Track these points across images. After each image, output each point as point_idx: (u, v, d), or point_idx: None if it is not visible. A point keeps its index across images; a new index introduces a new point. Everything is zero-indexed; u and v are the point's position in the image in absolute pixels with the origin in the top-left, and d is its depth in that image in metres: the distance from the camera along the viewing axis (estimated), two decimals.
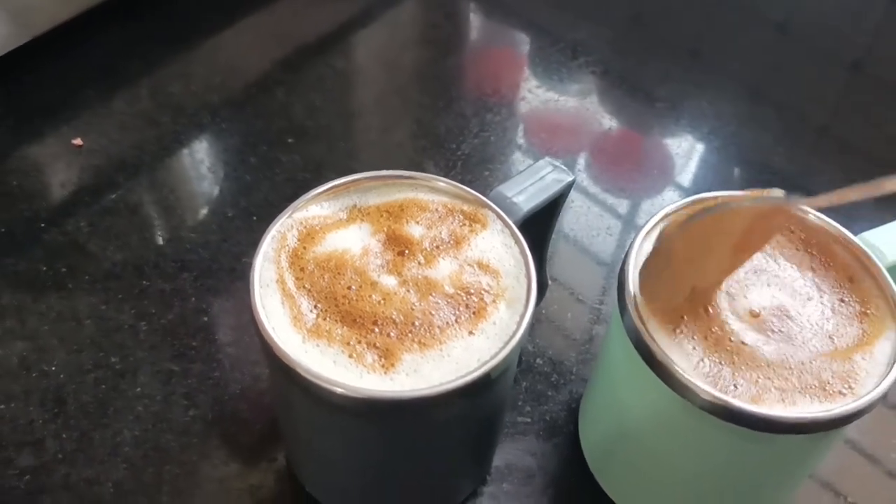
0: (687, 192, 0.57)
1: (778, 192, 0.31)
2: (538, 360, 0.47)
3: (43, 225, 0.52)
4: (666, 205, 0.37)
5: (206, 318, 0.47)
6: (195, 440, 0.42)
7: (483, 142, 0.59)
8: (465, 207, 0.36)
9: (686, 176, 0.59)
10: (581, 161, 0.60)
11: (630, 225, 0.55)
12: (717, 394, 0.31)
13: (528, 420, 0.44)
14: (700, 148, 0.61)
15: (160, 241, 0.51)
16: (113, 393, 0.44)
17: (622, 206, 0.56)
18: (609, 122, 0.63)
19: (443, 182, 0.36)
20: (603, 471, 0.41)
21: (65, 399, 0.44)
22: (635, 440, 0.38)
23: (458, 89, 0.64)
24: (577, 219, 0.55)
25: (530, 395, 0.45)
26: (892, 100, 0.68)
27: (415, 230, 0.35)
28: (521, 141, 0.60)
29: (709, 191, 0.38)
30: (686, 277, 0.34)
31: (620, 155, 0.61)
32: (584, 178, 0.58)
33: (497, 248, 0.35)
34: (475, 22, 0.74)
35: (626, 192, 0.57)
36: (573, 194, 0.56)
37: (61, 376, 0.44)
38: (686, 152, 0.61)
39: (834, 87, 0.69)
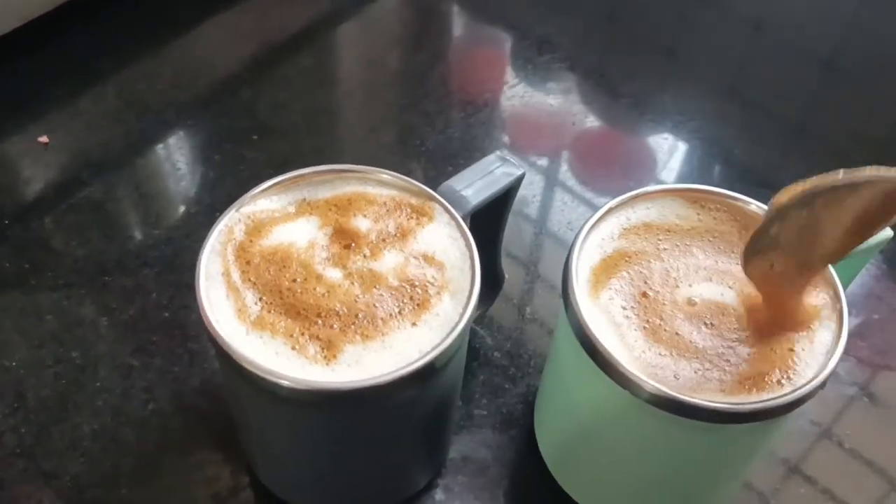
0: (632, 186, 0.58)
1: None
2: (496, 354, 0.47)
3: (7, 222, 0.52)
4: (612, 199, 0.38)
5: (167, 314, 0.48)
6: (153, 433, 0.43)
7: (447, 138, 0.59)
8: (413, 201, 0.36)
9: (668, 173, 0.60)
10: (563, 159, 0.60)
11: None
12: (658, 385, 0.32)
13: (485, 413, 0.45)
14: (681, 145, 0.62)
15: (123, 237, 0.52)
16: (73, 387, 0.44)
17: (601, 202, 0.57)
18: (587, 120, 0.63)
19: (390, 176, 0.37)
20: (557, 463, 0.42)
21: (24, 394, 0.44)
22: (585, 432, 0.38)
23: (424, 87, 0.64)
24: (540, 210, 0.55)
25: (487, 388, 0.46)
26: (864, 97, 0.68)
27: (362, 223, 0.35)
28: (487, 138, 0.61)
29: (655, 186, 0.39)
30: (795, 256, 0.32)
31: (602, 154, 0.61)
32: (567, 175, 0.58)
33: (443, 240, 0.35)
34: (445, 19, 0.74)
35: (608, 190, 0.58)
36: (551, 189, 0.57)
37: (21, 371, 0.45)
38: (667, 149, 0.61)
39: (807, 85, 0.69)
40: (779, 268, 0.32)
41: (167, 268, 0.50)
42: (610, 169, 0.60)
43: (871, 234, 0.31)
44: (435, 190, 0.37)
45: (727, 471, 0.37)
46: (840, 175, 0.28)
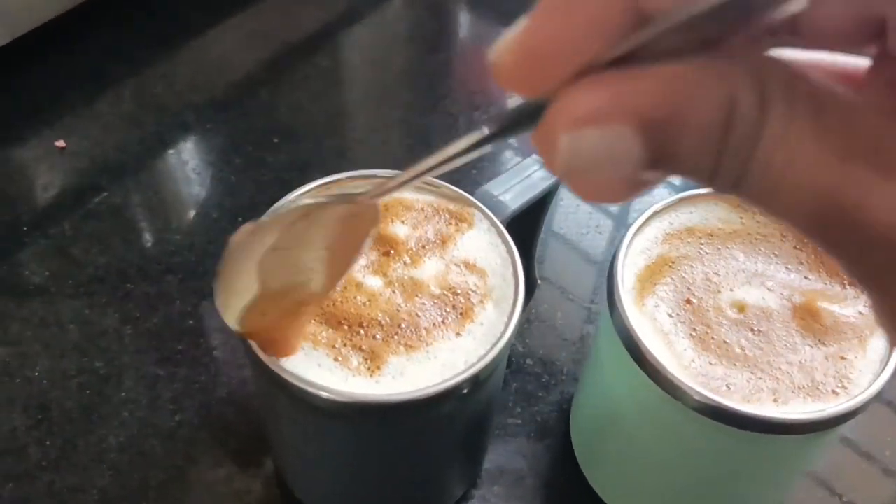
0: (677, 189, 0.57)
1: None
2: (528, 361, 0.46)
3: (26, 229, 0.51)
4: (655, 202, 0.37)
5: (191, 322, 0.47)
6: (181, 445, 0.42)
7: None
8: (451, 206, 0.35)
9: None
10: None
11: (620, 223, 0.54)
12: (710, 395, 0.31)
13: (519, 422, 0.44)
14: None
15: (144, 244, 0.51)
16: (97, 398, 0.43)
17: (612, 204, 0.56)
18: None
19: (428, 181, 0.36)
20: (594, 472, 0.41)
21: (48, 405, 0.43)
22: (627, 441, 0.37)
23: (445, 88, 0.63)
24: (566, 217, 0.54)
25: (521, 397, 0.45)
26: None
27: (400, 230, 0.34)
28: (509, 140, 0.60)
29: (698, 185, 0.38)
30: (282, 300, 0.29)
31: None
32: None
33: (483, 247, 0.34)
34: (462, 20, 0.73)
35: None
36: (562, 192, 0.56)
37: (45, 382, 0.44)
38: None
39: None
40: (271, 315, 0.29)
41: (190, 275, 0.49)
42: None
43: (358, 251, 0.27)
44: (472, 194, 0.36)
45: (774, 481, 0.36)
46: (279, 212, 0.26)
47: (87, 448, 0.41)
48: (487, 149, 0.18)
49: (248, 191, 0.53)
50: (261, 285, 0.27)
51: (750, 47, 0.15)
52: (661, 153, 0.15)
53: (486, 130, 0.18)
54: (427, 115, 0.60)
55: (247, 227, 0.27)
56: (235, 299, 0.28)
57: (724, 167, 0.15)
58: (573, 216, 0.55)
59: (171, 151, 0.57)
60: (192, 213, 0.53)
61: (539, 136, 0.17)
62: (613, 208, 0.55)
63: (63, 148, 0.56)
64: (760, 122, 0.14)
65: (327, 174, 0.36)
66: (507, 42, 0.16)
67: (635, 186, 0.17)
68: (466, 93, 0.63)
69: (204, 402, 0.43)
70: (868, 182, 0.14)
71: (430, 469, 0.37)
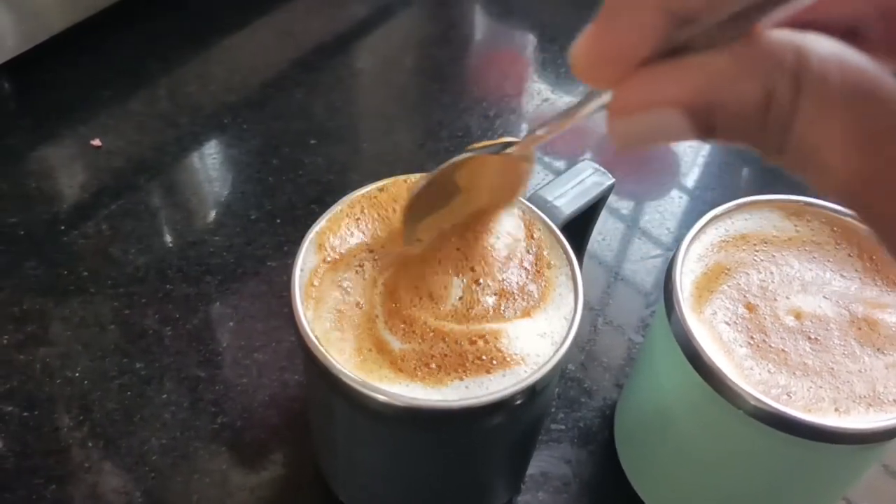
0: (692, 192, 0.57)
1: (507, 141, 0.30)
2: (570, 367, 0.46)
3: (63, 227, 0.51)
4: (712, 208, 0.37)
5: (231, 323, 0.46)
6: (224, 448, 0.42)
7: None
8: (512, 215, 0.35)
9: (692, 177, 0.58)
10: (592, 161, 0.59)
11: (663, 228, 0.54)
12: (771, 402, 0.31)
13: (563, 427, 0.44)
14: (706, 148, 0.60)
15: (183, 244, 0.50)
16: (139, 400, 0.43)
17: (627, 207, 0.56)
18: None
19: None
20: (640, 478, 0.41)
21: (90, 406, 0.43)
22: (679, 446, 0.37)
23: (481, 89, 0.63)
24: (607, 222, 0.54)
25: (564, 402, 0.45)
26: None
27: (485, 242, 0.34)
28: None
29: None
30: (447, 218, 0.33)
31: (627, 157, 0.60)
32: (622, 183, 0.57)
33: (541, 254, 0.34)
34: (489, 23, 0.73)
35: (632, 193, 0.57)
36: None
37: (86, 383, 0.44)
38: (693, 153, 0.60)
39: None
40: (426, 238, 0.33)
41: (230, 276, 0.49)
42: (634, 171, 0.59)
43: (518, 191, 0.33)
44: (526, 199, 0.36)
45: (829, 491, 0.36)
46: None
47: (129, 450, 0.41)
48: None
49: (285, 192, 0.53)
50: (425, 216, 0.32)
51: (785, 31, 0.17)
52: (709, 128, 0.18)
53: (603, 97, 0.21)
54: (463, 117, 0.60)
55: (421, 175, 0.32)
56: (410, 229, 0.32)
57: (767, 141, 0.17)
58: (617, 222, 0.54)
59: (206, 152, 0.56)
60: (229, 214, 0.52)
61: (608, 121, 0.20)
62: (659, 215, 0.55)
63: (99, 147, 0.55)
64: (793, 106, 0.16)
65: (364, 176, 0.36)
66: (578, 47, 0.19)
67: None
68: (501, 93, 0.63)
69: (246, 404, 0.43)
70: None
71: (479, 477, 0.36)
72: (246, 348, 0.45)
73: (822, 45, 0.17)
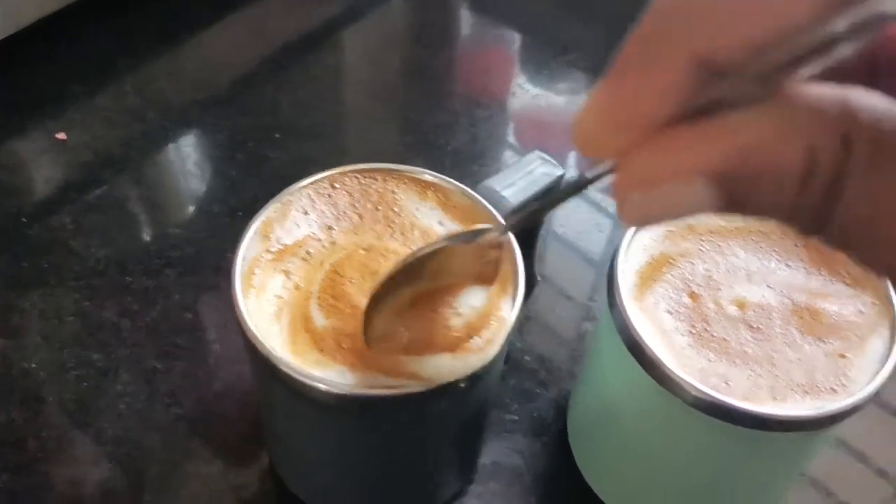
0: None
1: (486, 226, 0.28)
2: (526, 358, 0.46)
3: (26, 220, 0.51)
4: None
5: (190, 316, 0.47)
6: (179, 439, 0.42)
7: (472, 138, 0.58)
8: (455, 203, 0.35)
9: None
10: (571, 158, 0.59)
11: (619, 222, 0.54)
12: (708, 391, 0.31)
13: (516, 418, 0.44)
14: None
15: (144, 237, 0.51)
16: (95, 391, 0.43)
17: (612, 203, 0.56)
18: None
19: (429, 175, 0.36)
20: (592, 469, 0.41)
21: (45, 398, 0.43)
22: (625, 438, 0.37)
23: (447, 86, 0.63)
24: (566, 215, 0.54)
25: (518, 393, 0.45)
26: None
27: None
28: (510, 138, 0.60)
29: None
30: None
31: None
32: (573, 174, 0.57)
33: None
34: (464, 19, 0.73)
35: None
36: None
37: (42, 374, 0.44)
38: None
39: None
40: (412, 329, 0.30)
41: (190, 269, 0.49)
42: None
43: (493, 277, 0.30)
44: (474, 190, 0.36)
45: (772, 479, 0.36)
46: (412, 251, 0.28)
47: (84, 441, 0.41)
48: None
49: (249, 187, 0.53)
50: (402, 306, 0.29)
51: (826, 85, 0.15)
52: (739, 202, 0.15)
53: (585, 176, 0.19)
54: (428, 113, 0.60)
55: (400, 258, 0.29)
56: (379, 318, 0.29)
57: (808, 214, 0.15)
58: (573, 214, 0.55)
59: (173, 146, 0.57)
60: (192, 208, 0.53)
61: (614, 193, 0.17)
62: (613, 207, 0.55)
63: (64, 141, 0.56)
64: (842, 171, 0.14)
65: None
66: (586, 111, 0.16)
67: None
68: (467, 91, 0.63)
69: (201, 395, 0.43)
70: None
71: (426, 465, 0.37)
72: (203, 340, 0.46)
73: (873, 101, 0.14)
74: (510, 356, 0.46)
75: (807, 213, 0.15)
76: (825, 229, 0.15)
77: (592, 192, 0.56)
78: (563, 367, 0.46)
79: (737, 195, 0.15)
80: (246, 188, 0.53)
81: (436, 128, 0.59)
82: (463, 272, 0.30)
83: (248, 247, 0.33)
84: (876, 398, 0.43)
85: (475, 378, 0.30)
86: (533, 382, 0.45)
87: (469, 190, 0.35)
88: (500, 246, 0.29)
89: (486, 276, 0.30)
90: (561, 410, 0.44)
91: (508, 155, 0.58)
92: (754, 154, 0.15)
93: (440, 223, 0.35)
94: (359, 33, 0.69)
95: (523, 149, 0.59)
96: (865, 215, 0.14)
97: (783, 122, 0.14)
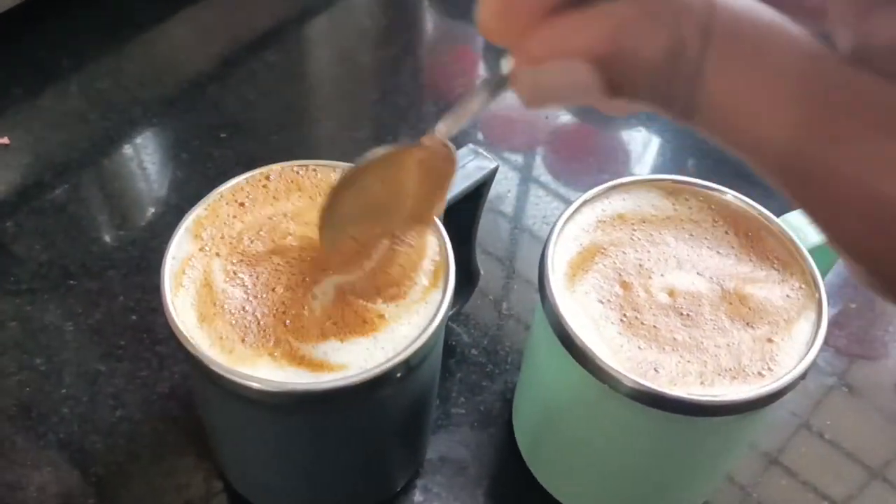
0: (610, 176, 0.57)
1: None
2: (473, 351, 0.47)
3: None
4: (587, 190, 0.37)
5: (134, 317, 0.46)
6: (122, 440, 0.42)
7: (420, 133, 0.58)
8: None
9: (642, 166, 0.59)
10: (537, 154, 0.59)
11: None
12: (637, 379, 0.31)
13: (463, 411, 0.44)
14: (655, 140, 0.61)
15: (88, 240, 0.50)
16: (38, 395, 0.43)
17: (576, 196, 0.56)
18: (560, 114, 0.62)
19: None
20: (535, 460, 0.41)
21: None
22: (563, 427, 0.37)
23: (394, 81, 0.63)
24: (515, 207, 0.55)
25: (465, 387, 0.45)
26: None
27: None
28: (460, 133, 0.60)
29: (630, 178, 0.38)
30: (376, 224, 0.32)
31: (576, 148, 0.61)
32: (541, 170, 0.58)
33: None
34: (415, 14, 0.73)
35: (581, 184, 0.57)
36: (526, 184, 0.56)
37: None
38: (641, 144, 0.61)
39: None
40: (362, 238, 0.32)
41: (133, 270, 0.48)
42: (584, 163, 0.60)
43: (445, 190, 0.31)
44: None
45: (706, 463, 0.37)
46: (377, 152, 0.29)
47: (25, 445, 0.41)
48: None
49: (193, 185, 0.53)
50: (351, 216, 0.31)
51: None
52: (617, 83, 0.17)
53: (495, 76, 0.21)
54: (375, 109, 0.60)
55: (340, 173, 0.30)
56: (330, 230, 0.30)
57: (676, 97, 0.16)
58: (521, 203, 0.55)
59: (116, 147, 0.56)
60: (136, 209, 0.52)
61: (512, 76, 0.19)
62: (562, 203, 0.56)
63: (7, 144, 0.55)
64: (701, 57, 0.15)
65: None
66: (483, 1, 0.18)
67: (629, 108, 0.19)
68: (417, 86, 0.63)
69: (146, 396, 0.43)
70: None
71: (367, 459, 0.37)
72: (147, 341, 0.45)
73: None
74: (456, 349, 0.46)
75: (678, 101, 0.16)
76: (694, 117, 0.16)
77: (542, 178, 0.57)
78: (509, 360, 0.46)
79: (614, 79, 0.17)
80: (191, 187, 0.53)
81: (387, 124, 0.59)
82: (410, 183, 0.30)
83: (179, 245, 0.33)
84: (850, 385, 0.44)
85: (409, 367, 0.31)
86: (479, 375, 0.46)
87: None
88: (448, 159, 0.29)
89: (434, 187, 0.31)
90: (507, 403, 0.44)
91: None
92: (624, 39, 0.16)
93: None
94: (305, 31, 0.68)
95: (486, 144, 0.59)
96: (721, 104, 0.16)
97: (650, 9, 0.16)
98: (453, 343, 0.47)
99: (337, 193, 0.29)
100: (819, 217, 0.16)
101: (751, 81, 0.15)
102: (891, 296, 0.16)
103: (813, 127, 0.15)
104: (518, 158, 0.59)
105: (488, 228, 0.52)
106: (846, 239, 0.16)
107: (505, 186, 0.55)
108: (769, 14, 0.15)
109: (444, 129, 0.26)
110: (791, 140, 0.15)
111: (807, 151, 0.15)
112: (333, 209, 0.30)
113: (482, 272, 0.45)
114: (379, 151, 0.29)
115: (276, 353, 0.30)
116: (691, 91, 0.16)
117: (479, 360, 0.46)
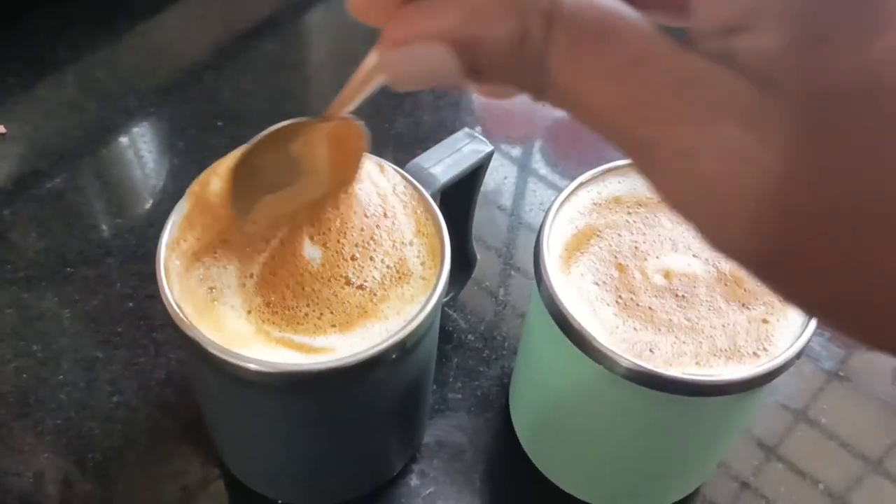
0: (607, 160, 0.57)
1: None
2: (470, 337, 0.47)
3: None
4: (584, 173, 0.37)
5: (131, 304, 0.46)
6: (119, 426, 0.42)
7: (416, 121, 0.58)
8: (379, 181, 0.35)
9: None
10: (535, 144, 0.59)
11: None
12: (633, 359, 0.31)
13: (460, 396, 0.44)
14: None
15: (85, 227, 0.50)
16: (35, 382, 0.43)
17: (558, 179, 0.56)
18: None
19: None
20: (532, 444, 0.41)
21: None
22: (559, 410, 0.38)
23: None
24: (512, 193, 0.55)
25: (462, 372, 0.45)
26: None
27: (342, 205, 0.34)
28: (458, 121, 0.60)
29: (626, 161, 0.38)
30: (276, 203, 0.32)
31: (573, 138, 0.61)
32: (539, 161, 0.58)
33: (412, 220, 0.34)
34: None
35: (578, 174, 0.57)
36: (523, 173, 0.56)
37: None
38: None
39: None
40: (276, 211, 0.32)
41: (130, 257, 0.48)
42: (581, 152, 0.60)
43: (359, 157, 0.33)
44: (403, 167, 0.36)
45: (702, 445, 0.37)
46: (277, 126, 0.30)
47: (23, 431, 0.41)
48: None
49: (190, 173, 0.52)
50: (263, 184, 0.31)
51: None
52: (475, 66, 0.18)
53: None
54: (375, 97, 0.60)
55: (243, 148, 0.30)
56: (243, 200, 0.31)
57: (528, 81, 0.17)
58: (518, 193, 0.55)
59: (113, 136, 0.56)
60: (133, 197, 0.52)
61: (379, 58, 0.20)
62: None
63: (4, 134, 0.55)
64: (546, 43, 0.16)
65: None
66: None
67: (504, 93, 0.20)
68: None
69: (142, 383, 0.43)
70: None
71: (364, 442, 0.37)
72: (144, 328, 0.45)
73: None
74: (453, 335, 0.46)
75: (529, 82, 0.17)
76: (545, 95, 0.17)
77: (539, 166, 0.57)
78: (506, 345, 0.46)
79: (473, 62, 0.17)
80: (186, 175, 0.53)
81: (377, 111, 0.59)
82: (328, 163, 0.32)
83: (171, 231, 0.33)
84: (846, 372, 0.44)
85: (404, 349, 0.31)
86: (476, 361, 0.46)
87: (398, 168, 0.36)
88: (360, 136, 0.31)
89: (351, 165, 0.32)
90: (504, 388, 0.44)
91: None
92: (477, 24, 0.17)
93: None
94: (301, 20, 0.68)
95: (484, 134, 0.59)
96: (565, 83, 0.17)
97: (502, 3, 0.17)
98: (450, 329, 0.47)
99: (245, 161, 0.30)
100: (661, 194, 0.17)
101: (589, 64, 0.16)
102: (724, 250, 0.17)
103: (642, 106, 0.16)
104: (516, 149, 0.59)
105: (485, 216, 0.52)
106: (683, 214, 0.17)
107: (502, 174, 0.55)
108: (609, 2, 0.16)
109: (337, 106, 0.27)
110: (623, 117, 0.17)
111: (638, 130, 0.16)
112: (242, 179, 0.30)
113: (479, 257, 0.45)
114: (284, 123, 0.30)
115: (272, 335, 0.30)
116: (540, 73, 0.17)
117: (475, 345, 0.46)
